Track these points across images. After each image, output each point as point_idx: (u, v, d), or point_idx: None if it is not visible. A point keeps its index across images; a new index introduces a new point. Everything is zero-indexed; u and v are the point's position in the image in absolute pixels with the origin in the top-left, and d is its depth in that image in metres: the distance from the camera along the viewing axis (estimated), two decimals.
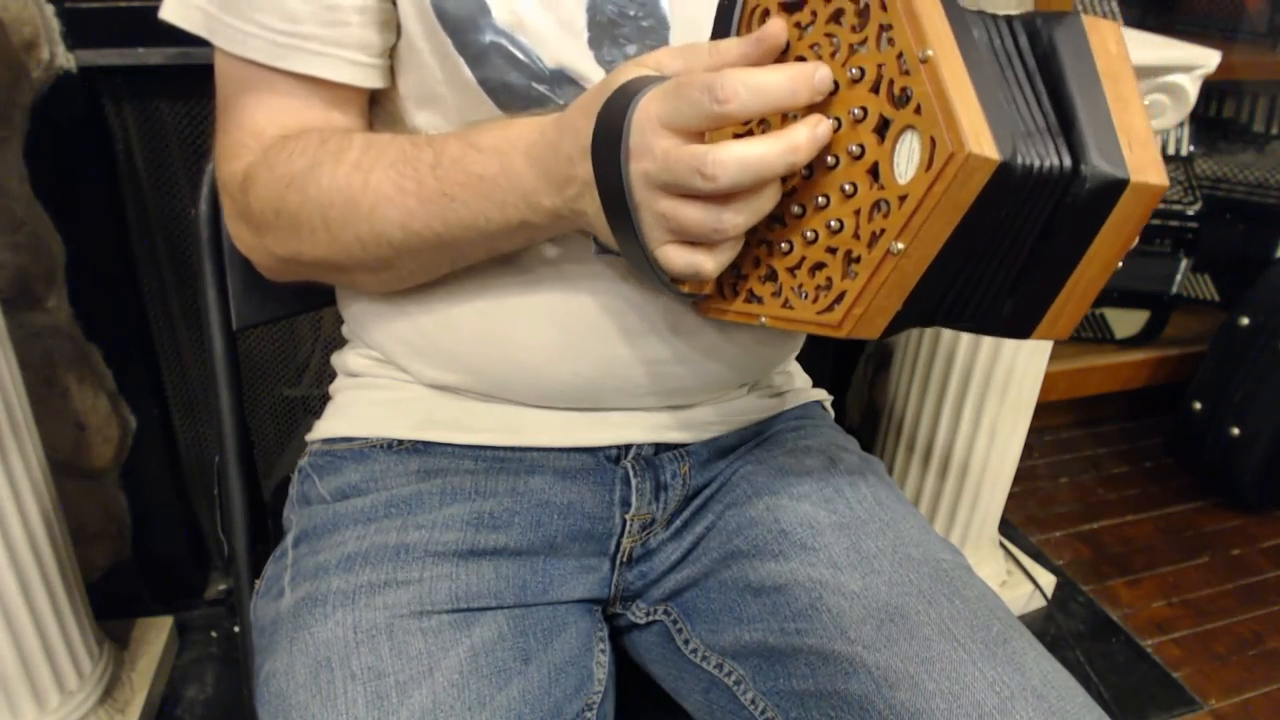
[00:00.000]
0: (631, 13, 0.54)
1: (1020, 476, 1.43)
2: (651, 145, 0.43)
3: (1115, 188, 0.44)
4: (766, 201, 0.45)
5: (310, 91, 0.58)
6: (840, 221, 0.44)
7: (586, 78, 0.54)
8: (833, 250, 0.45)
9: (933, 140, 0.39)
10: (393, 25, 0.56)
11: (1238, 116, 2.09)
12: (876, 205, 0.42)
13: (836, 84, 0.43)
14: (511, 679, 0.55)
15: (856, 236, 0.44)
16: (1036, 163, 0.41)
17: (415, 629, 0.55)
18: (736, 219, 0.44)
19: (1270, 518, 1.80)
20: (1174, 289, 1.86)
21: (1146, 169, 0.44)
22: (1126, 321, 1.93)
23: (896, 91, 0.41)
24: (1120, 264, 0.48)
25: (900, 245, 0.41)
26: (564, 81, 0.54)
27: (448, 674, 0.53)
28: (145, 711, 1.19)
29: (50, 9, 0.99)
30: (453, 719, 0.51)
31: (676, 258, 0.46)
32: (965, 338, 1.25)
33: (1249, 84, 2.05)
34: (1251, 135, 2.07)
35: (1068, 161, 0.42)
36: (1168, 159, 1.85)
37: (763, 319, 0.49)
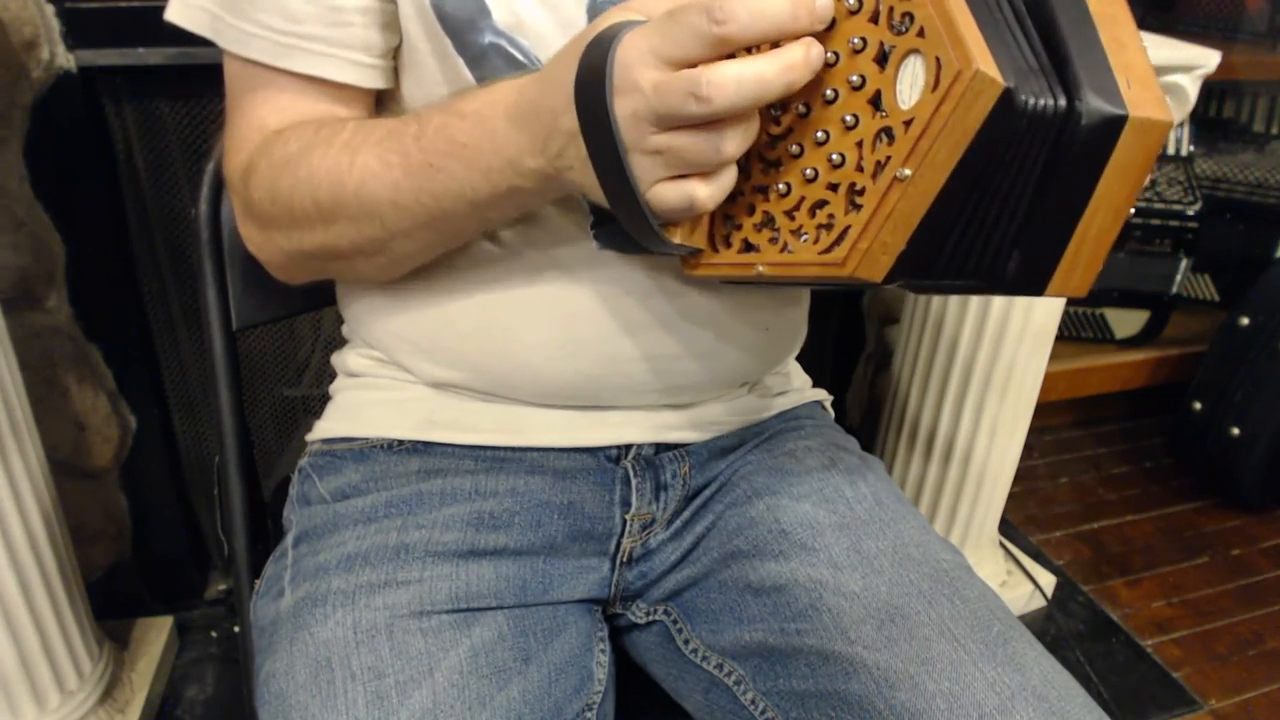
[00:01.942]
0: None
1: (1020, 476, 1.43)
2: (638, 80, 0.42)
3: (1113, 124, 0.43)
4: (753, 127, 0.44)
5: (314, 91, 0.58)
6: (842, 155, 0.43)
7: None
8: (834, 186, 0.44)
9: (939, 60, 0.38)
10: (396, 26, 0.57)
11: (1238, 116, 2.09)
12: (880, 134, 0.41)
13: (834, 18, 0.42)
14: (511, 679, 0.55)
15: (860, 168, 0.42)
16: (1033, 100, 0.41)
17: (415, 629, 0.55)
18: (734, 143, 0.43)
19: (1270, 518, 1.80)
20: (1174, 289, 1.86)
21: (1147, 105, 0.43)
22: (1126, 321, 1.94)
23: (896, 18, 0.40)
24: (1132, 211, 0.47)
25: (907, 171, 0.40)
26: None
27: (448, 674, 0.53)
28: (145, 711, 1.19)
29: (50, 9, 0.99)
30: (453, 719, 0.51)
31: (669, 193, 0.45)
32: (966, 336, 1.25)
33: (1249, 84, 2.05)
34: (1251, 135, 2.07)
35: (1062, 100, 0.42)
36: (1168, 159, 1.85)
37: (760, 268, 0.48)
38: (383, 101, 0.62)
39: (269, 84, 0.58)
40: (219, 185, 0.70)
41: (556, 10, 0.53)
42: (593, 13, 0.53)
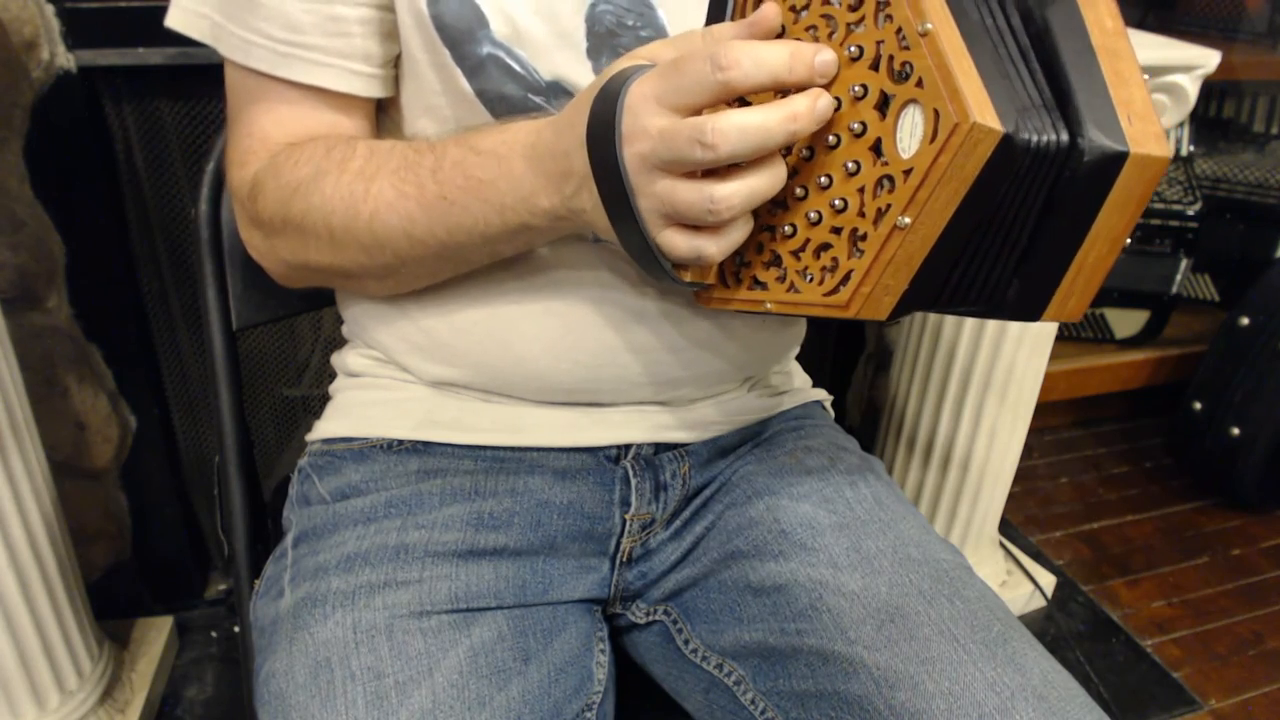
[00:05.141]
0: (630, 23, 0.54)
1: (1020, 476, 1.43)
2: (646, 126, 0.43)
3: (1115, 160, 0.43)
4: (766, 179, 0.44)
5: (315, 100, 0.58)
6: (844, 200, 0.44)
7: (582, 89, 0.54)
8: (837, 230, 0.45)
9: (936, 112, 0.39)
10: (395, 36, 0.57)
11: (1238, 116, 2.09)
12: (881, 181, 0.42)
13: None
14: (511, 679, 0.55)
15: (862, 214, 0.43)
16: (1036, 138, 0.41)
17: (415, 629, 0.55)
18: (731, 199, 0.43)
19: (1270, 518, 1.80)
20: (1174, 289, 1.86)
21: (1147, 141, 0.44)
22: (1126, 321, 1.93)
23: (897, 67, 0.41)
24: (1128, 241, 0.48)
25: (907, 219, 0.41)
26: (560, 93, 0.54)
27: (447, 674, 0.53)
28: (145, 711, 1.19)
29: (50, 9, 0.99)
30: (453, 719, 0.51)
31: (679, 242, 0.45)
32: (965, 337, 1.25)
33: (1249, 84, 2.05)
34: (1251, 135, 2.07)
35: (1064, 136, 0.42)
36: None
37: (768, 305, 0.49)
38: (383, 108, 0.62)
39: (270, 94, 0.58)
40: (219, 185, 0.70)
41: (554, 21, 0.53)
42: (591, 22, 0.53)
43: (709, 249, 0.45)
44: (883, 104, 0.42)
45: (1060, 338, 1.52)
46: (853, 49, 0.42)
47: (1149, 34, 1.08)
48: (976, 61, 0.40)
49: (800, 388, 0.75)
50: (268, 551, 0.66)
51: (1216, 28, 2.00)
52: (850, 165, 0.43)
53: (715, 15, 0.48)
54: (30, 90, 1.01)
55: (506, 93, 0.54)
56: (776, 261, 0.48)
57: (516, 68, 0.54)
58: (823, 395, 0.77)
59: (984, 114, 0.38)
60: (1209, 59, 1.02)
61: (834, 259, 0.45)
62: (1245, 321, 1.71)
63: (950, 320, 1.26)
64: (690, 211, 0.44)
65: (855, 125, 0.43)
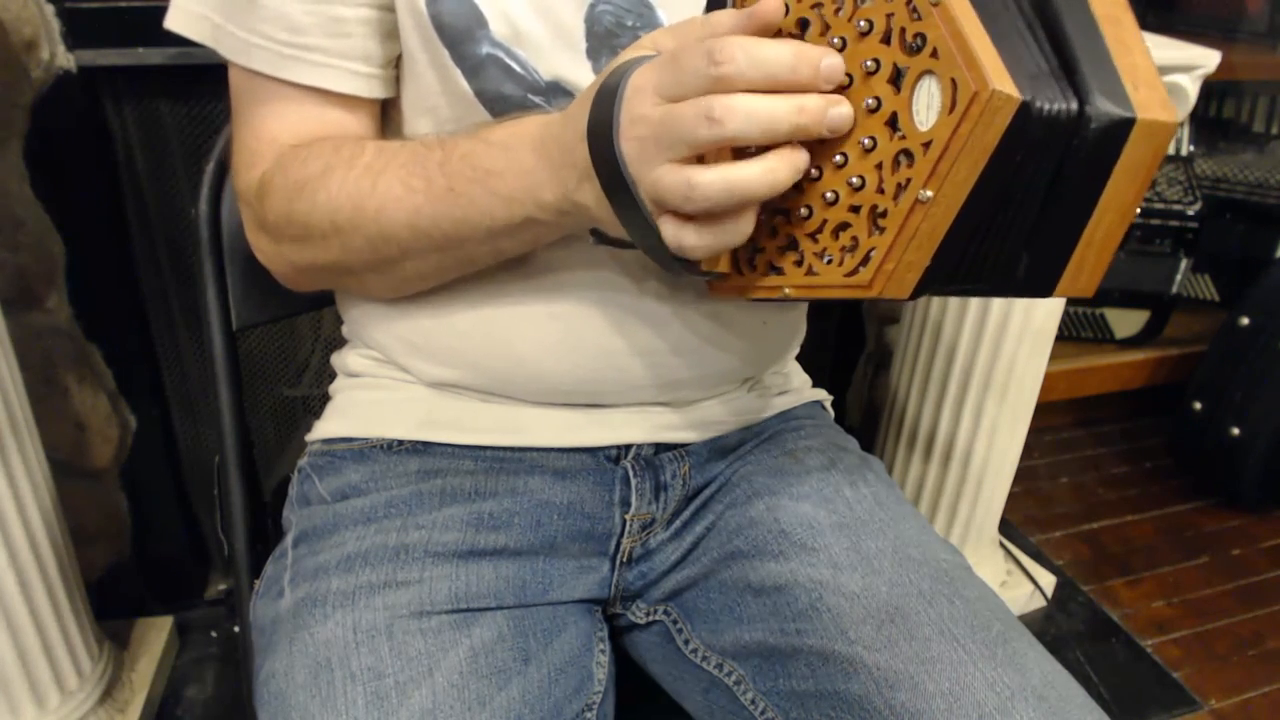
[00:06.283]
0: (629, 23, 0.54)
1: (1020, 476, 1.43)
2: (646, 114, 0.42)
3: (1122, 127, 0.43)
4: (756, 171, 0.42)
5: (319, 101, 0.58)
6: (861, 178, 0.43)
7: (582, 89, 0.54)
8: (856, 209, 0.44)
9: (954, 82, 0.39)
10: (396, 36, 0.57)
11: (1238, 116, 2.10)
12: (899, 156, 0.42)
13: (845, 39, 0.43)
14: (511, 679, 0.55)
15: (881, 191, 0.43)
16: (1049, 106, 0.41)
17: (415, 629, 0.55)
18: (708, 188, 0.42)
19: (1270, 518, 1.80)
20: (1174, 289, 1.86)
21: (1153, 107, 0.43)
22: (1126, 321, 1.93)
23: (909, 39, 0.40)
24: (1138, 212, 0.47)
25: (929, 193, 0.40)
26: (559, 93, 0.54)
27: (447, 674, 0.53)
28: (145, 711, 1.19)
29: (50, 9, 0.99)
30: (453, 719, 0.51)
31: (667, 231, 0.45)
32: (965, 336, 1.25)
33: (1249, 84, 2.05)
34: (1251, 135, 2.07)
35: (1073, 105, 0.42)
36: (1168, 159, 1.85)
37: (786, 290, 0.48)
38: (383, 109, 0.62)
39: (274, 95, 0.58)
40: (219, 185, 0.70)
41: (554, 21, 0.53)
42: (590, 22, 0.53)
43: (687, 239, 0.44)
44: (896, 78, 0.41)
45: (1060, 338, 1.52)
46: (862, 24, 0.42)
47: (1149, 34, 1.07)
48: (988, 27, 0.40)
49: (800, 387, 0.75)
50: (268, 551, 0.66)
51: (1216, 28, 2.00)
52: (866, 142, 0.43)
53: (716, 2, 0.48)
54: (30, 90, 1.01)
55: (506, 93, 0.54)
56: (793, 245, 0.48)
57: (516, 68, 0.54)
58: (823, 395, 0.77)
59: (1002, 81, 0.38)
60: (1209, 59, 1.02)
61: (854, 238, 0.44)
62: (1245, 321, 1.71)
63: (950, 319, 1.26)
64: (669, 196, 0.43)
65: (870, 101, 0.42)
